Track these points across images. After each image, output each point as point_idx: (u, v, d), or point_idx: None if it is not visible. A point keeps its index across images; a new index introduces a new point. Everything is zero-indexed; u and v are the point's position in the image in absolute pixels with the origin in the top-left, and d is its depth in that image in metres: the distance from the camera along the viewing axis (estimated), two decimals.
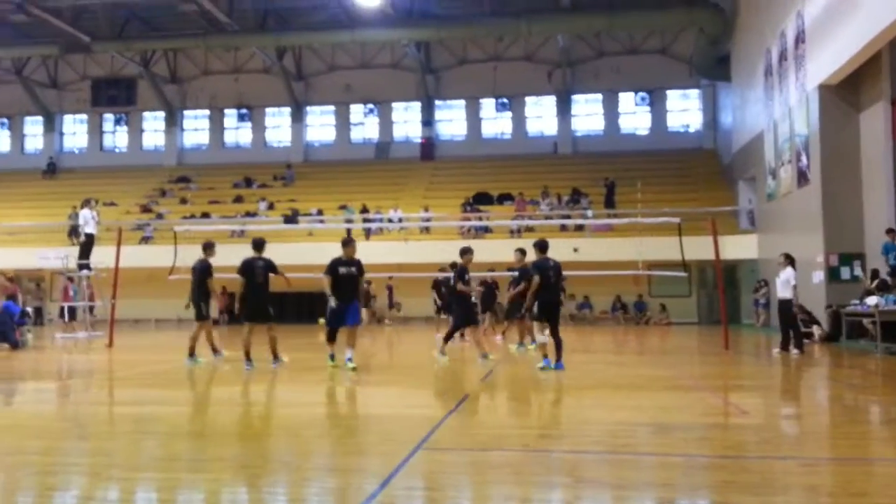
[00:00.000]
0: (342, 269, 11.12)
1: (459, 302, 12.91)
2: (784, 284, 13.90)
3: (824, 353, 14.61)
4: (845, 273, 18.10)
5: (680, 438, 5.99)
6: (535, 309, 10.97)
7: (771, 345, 15.41)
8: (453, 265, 17.29)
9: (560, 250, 16.86)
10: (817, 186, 18.78)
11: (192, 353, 12.18)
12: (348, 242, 11.46)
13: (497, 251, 20.65)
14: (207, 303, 12.29)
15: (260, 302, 11.47)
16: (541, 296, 10.86)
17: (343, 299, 11.06)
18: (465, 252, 12.84)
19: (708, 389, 9.08)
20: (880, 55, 16.69)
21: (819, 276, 18.50)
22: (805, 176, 19.63)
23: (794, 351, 13.64)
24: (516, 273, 14.82)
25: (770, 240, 23.15)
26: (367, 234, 27.24)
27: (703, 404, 7.94)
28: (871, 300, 14.63)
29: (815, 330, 17.07)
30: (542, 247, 11.19)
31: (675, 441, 5.90)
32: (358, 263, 11.27)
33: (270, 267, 11.58)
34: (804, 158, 19.67)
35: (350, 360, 11.08)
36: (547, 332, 10.96)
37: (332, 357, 11.45)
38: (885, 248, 15.86)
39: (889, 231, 15.95)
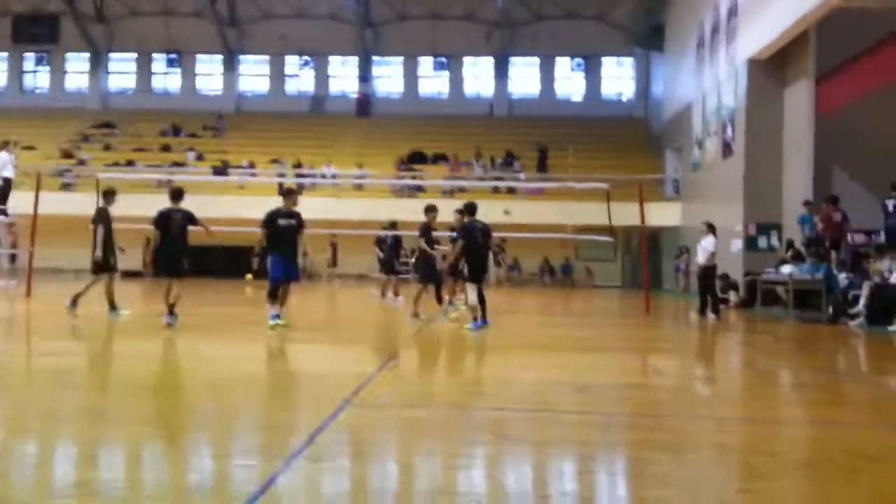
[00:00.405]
0: (281, 221, 10.42)
1: (425, 261, 12.85)
2: (704, 252, 14.33)
3: (739, 318, 15.17)
4: (762, 242, 18.77)
5: (600, 398, 6.14)
6: (466, 270, 11.02)
7: (689, 309, 15.92)
8: (393, 224, 17.22)
9: (492, 212, 16.92)
10: (740, 158, 19.32)
11: (113, 306, 11.75)
12: (289, 193, 10.89)
13: None
14: (106, 253, 11.66)
15: (172, 254, 10.65)
16: (470, 257, 10.90)
17: (282, 253, 10.44)
18: (430, 210, 12.75)
19: (628, 351, 9.34)
20: (808, 34, 17.14)
21: (738, 244, 19.13)
22: (730, 148, 20.16)
23: (710, 315, 14.12)
24: (453, 234, 14.85)
25: (693, 208, 23.78)
26: (300, 189, 26.74)
27: (623, 365, 8.16)
28: (786, 269, 15.22)
29: (732, 296, 17.69)
30: (470, 209, 11.18)
31: (595, 400, 6.04)
32: (298, 216, 10.57)
33: (188, 218, 10.75)
34: (730, 130, 20.17)
35: (278, 316, 10.66)
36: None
37: (277, 317, 10.36)
38: (801, 219, 16.49)
39: (806, 203, 16.57)
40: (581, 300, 20.37)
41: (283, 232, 10.45)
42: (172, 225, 10.62)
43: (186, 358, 8.24)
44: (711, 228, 14.45)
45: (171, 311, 10.47)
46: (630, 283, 27.52)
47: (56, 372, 6.91)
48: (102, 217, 11.61)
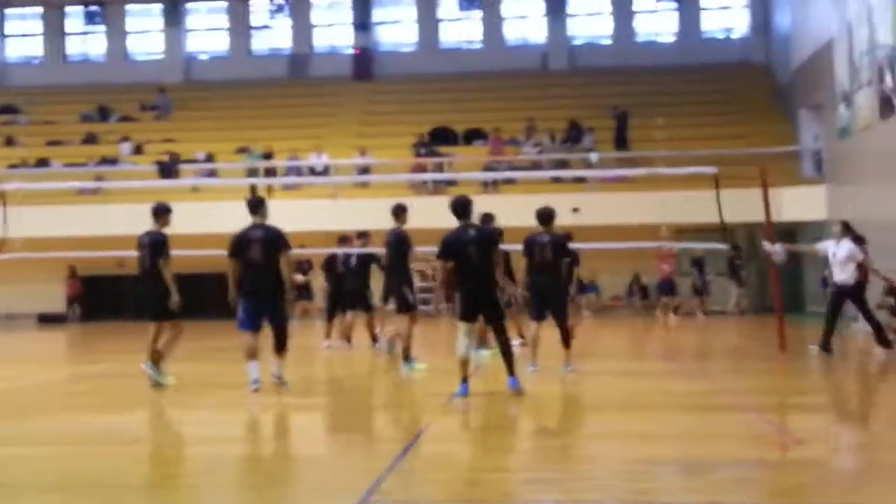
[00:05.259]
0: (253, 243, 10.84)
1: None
2: (843, 264, 13.94)
3: None
4: None
5: (716, 481, 6.27)
6: (457, 304, 10.34)
7: (852, 344, 15.70)
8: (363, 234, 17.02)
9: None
10: None
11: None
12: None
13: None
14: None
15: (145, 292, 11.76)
16: (461, 284, 10.13)
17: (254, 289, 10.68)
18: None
19: (754, 409, 9.37)
20: None
21: None
22: (890, 104, 20.09)
23: (877, 349, 14.00)
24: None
25: (843, 192, 23.63)
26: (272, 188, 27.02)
27: (748, 431, 8.26)
28: None
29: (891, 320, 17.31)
30: (457, 209, 10.23)
31: (709, 485, 6.17)
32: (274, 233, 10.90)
33: (156, 242, 11.53)
34: (889, 79, 20.10)
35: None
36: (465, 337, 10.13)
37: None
38: None
39: None
40: (686, 334, 20.34)
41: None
42: (142, 251, 11.53)
43: (145, 438, 8.48)
44: (848, 230, 14.24)
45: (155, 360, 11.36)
46: (759, 307, 27.14)
47: None
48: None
